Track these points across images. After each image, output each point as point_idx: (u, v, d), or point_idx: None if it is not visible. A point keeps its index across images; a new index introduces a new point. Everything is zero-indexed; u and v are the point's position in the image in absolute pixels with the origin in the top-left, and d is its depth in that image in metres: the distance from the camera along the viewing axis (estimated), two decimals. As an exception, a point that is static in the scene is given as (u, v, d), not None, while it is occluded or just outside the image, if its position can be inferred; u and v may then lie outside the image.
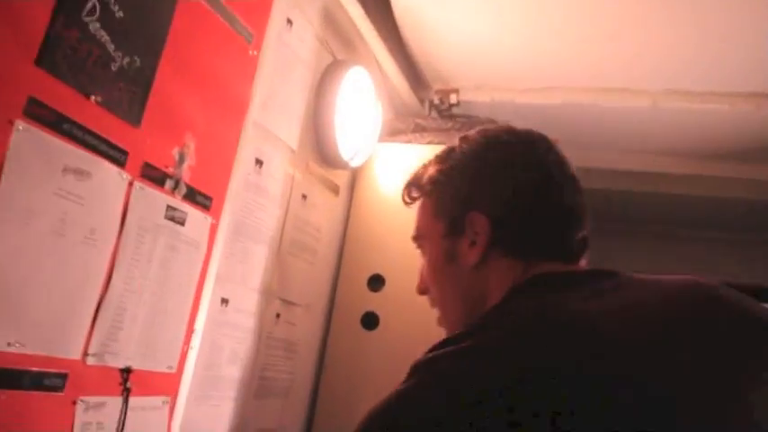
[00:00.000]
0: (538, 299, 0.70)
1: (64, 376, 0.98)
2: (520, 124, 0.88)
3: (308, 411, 1.77)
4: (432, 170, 0.88)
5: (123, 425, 1.08)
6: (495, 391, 0.55)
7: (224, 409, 1.39)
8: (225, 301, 1.36)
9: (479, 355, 0.61)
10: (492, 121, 1.76)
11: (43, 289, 0.93)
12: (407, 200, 0.94)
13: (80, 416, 1.01)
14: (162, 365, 1.18)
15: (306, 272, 1.68)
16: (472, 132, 0.89)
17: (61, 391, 0.98)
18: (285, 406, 1.65)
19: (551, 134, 0.86)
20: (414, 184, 0.92)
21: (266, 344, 1.53)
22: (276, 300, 1.56)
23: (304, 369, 1.74)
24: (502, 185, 0.81)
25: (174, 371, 1.21)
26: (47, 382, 0.95)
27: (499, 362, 0.59)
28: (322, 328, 1.82)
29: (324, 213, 1.77)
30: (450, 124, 2.05)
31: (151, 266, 1.13)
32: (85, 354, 1.01)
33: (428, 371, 0.62)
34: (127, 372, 1.09)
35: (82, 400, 1.01)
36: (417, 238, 0.92)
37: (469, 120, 2.07)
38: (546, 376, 0.56)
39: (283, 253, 1.57)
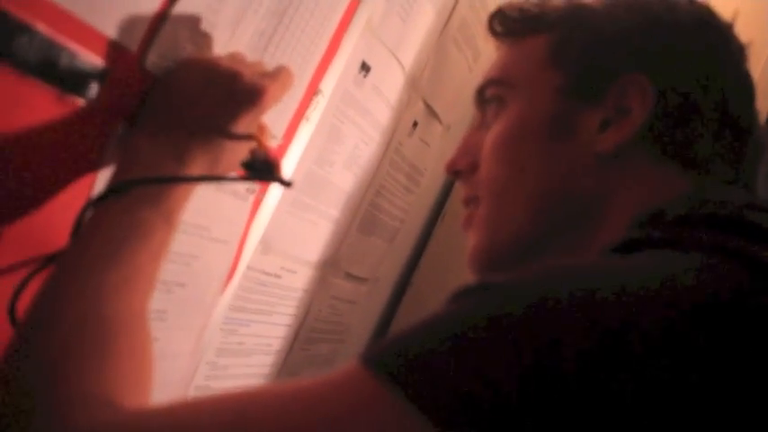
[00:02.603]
0: None
1: (101, 72, 0.50)
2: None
3: (408, 266, 1.31)
4: None
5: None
6: None
7: (320, 231, 0.92)
8: (366, 69, 0.85)
9: None
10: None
11: None
12: (498, 29, 0.61)
13: (111, 155, 0.54)
14: (261, 128, 0.69)
15: (464, 78, 1.16)
16: None
17: (90, 98, 0.50)
18: (387, 254, 1.18)
19: None
20: (521, 11, 0.59)
21: (391, 159, 1.04)
22: (420, 101, 1.06)
23: (420, 212, 1.26)
24: (692, 53, 0.52)
25: (278, 142, 0.73)
26: (65, 61, 0.47)
27: None
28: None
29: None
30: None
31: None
32: (145, 47, 0.53)
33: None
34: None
35: (122, 134, 0.54)
36: (495, 84, 0.59)
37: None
38: None
39: (448, 37, 1.05)
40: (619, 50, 0.53)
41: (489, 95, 0.59)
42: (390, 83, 0.93)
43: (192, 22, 0.56)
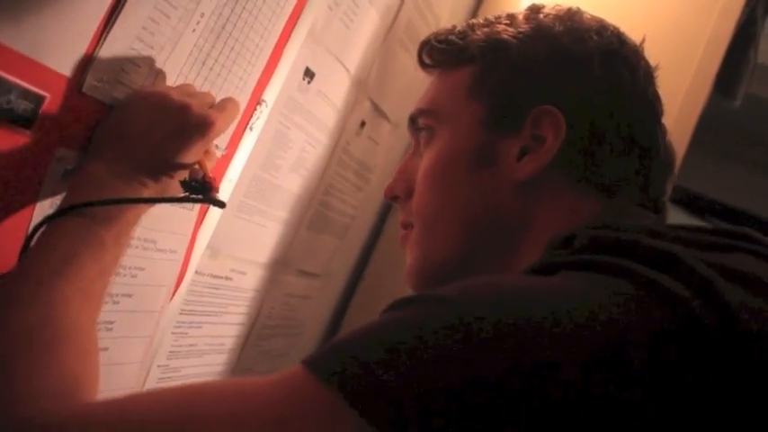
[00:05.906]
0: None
1: (37, 100, 0.51)
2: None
3: (361, 260, 1.34)
4: (486, 31, 0.60)
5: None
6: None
7: (269, 233, 0.94)
8: (309, 75, 0.87)
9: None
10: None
11: None
12: (427, 60, 0.65)
13: (51, 183, 0.55)
14: (204, 140, 0.71)
15: (411, 76, 1.18)
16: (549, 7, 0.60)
17: (28, 128, 0.51)
18: (338, 249, 1.21)
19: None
20: (446, 43, 0.61)
21: (339, 159, 1.07)
22: (367, 101, 1.08)
23: (371, 208, 1.29)
24: (599, 83, 0.56)
25: (222, 152, 0.75)
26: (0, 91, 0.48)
27: None
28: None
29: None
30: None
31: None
32: (82, 71, 0.54)
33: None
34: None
35: (61, 159, 0.55)
36: (425, 115, 0.62)
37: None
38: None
39: (393, 38, 1.07)
40: (532, 83, 0.56)
41: (421, 125, 0.63)
42: (335, 86, 0.95)
43: (128, 44, 0.57)
